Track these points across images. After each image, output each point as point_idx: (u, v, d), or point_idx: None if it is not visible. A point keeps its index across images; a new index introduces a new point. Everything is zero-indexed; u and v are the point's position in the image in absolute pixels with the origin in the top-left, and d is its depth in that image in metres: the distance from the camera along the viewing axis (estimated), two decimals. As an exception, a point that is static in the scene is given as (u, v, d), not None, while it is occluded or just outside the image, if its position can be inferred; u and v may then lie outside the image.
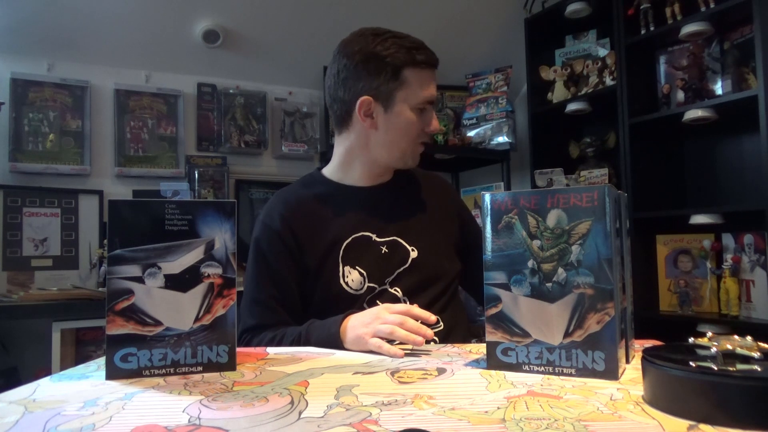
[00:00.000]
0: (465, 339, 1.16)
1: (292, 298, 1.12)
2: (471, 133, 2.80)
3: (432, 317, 0.94)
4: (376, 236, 1.14)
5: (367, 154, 1.15)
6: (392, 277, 1.13)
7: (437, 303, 1.14)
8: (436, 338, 1.08)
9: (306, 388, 0.67)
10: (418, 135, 1.13)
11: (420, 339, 0.89)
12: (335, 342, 0.97)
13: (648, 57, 2.38)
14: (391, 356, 0.87)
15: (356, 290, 1.11)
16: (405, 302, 1.11)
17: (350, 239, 1.13)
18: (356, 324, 0.96)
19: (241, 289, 2.52)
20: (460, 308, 1.24)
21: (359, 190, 1.18)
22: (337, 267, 1.11)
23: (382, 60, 1.08)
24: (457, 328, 1.17)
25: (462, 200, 1.41)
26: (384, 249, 1.14)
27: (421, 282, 1.13)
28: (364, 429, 0.51)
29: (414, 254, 1.14)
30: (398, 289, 1.12)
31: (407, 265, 1.14)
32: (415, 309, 0.95)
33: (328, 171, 1.22)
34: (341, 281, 1.11)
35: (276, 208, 1.16)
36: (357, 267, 1.11)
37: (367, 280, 1.11)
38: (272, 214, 1.15)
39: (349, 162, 1.18)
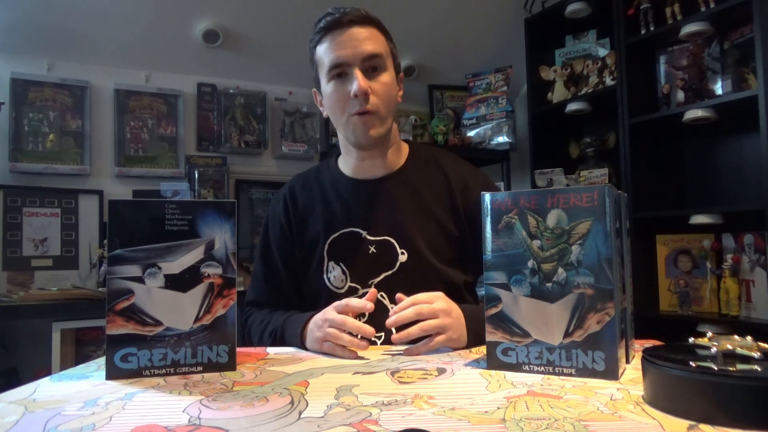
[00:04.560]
0: None
1: (280, 279, 1.15)
2: (471, 133, 2.80)
3: (368, 304, 0.90)
4: (367, 233, 1.08)
5: (341, 137, 1.14)
6: (378, 279, 1.06)
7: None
8: (377, 339, 1.02)
9: (306, 388, 0.67)
10: (345, 104, 1.04)
11: (364, 344, 0.87)
12: (298, 344, 0.97)
13: (648, 57, 2.38)
14: (347, 357, 0.86)
15: (337, 288, 1.08)
16: (390, 308, 0.98)
17: (338, 234, 1.10)
18: (313, 327, 0.94)
19: (242, 288, 2.52)
20: None
21: (359, 182, 1.13)
22: (323, 261, 1.10)
23: (309, 51, 1.10)
24: None
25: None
26: (372, 249, 1.07)
27: (410, 289, 0.96)
28: (364, 429, 0.51)
29: (403, 258, 1.06)
30: (384, 295, 1.05)
31: (395, 269, 1.06)
32: (353, 301, 0.92)
33: (339, 159, 1.19)
34: (324, 276, 1.09)
35: (283, 191, 1.20)
36: (341, 264, 1.09)
37: (348, 279, 1.08)
38: (278, 197, 1.20)
39: (342, 149, 1.17)
